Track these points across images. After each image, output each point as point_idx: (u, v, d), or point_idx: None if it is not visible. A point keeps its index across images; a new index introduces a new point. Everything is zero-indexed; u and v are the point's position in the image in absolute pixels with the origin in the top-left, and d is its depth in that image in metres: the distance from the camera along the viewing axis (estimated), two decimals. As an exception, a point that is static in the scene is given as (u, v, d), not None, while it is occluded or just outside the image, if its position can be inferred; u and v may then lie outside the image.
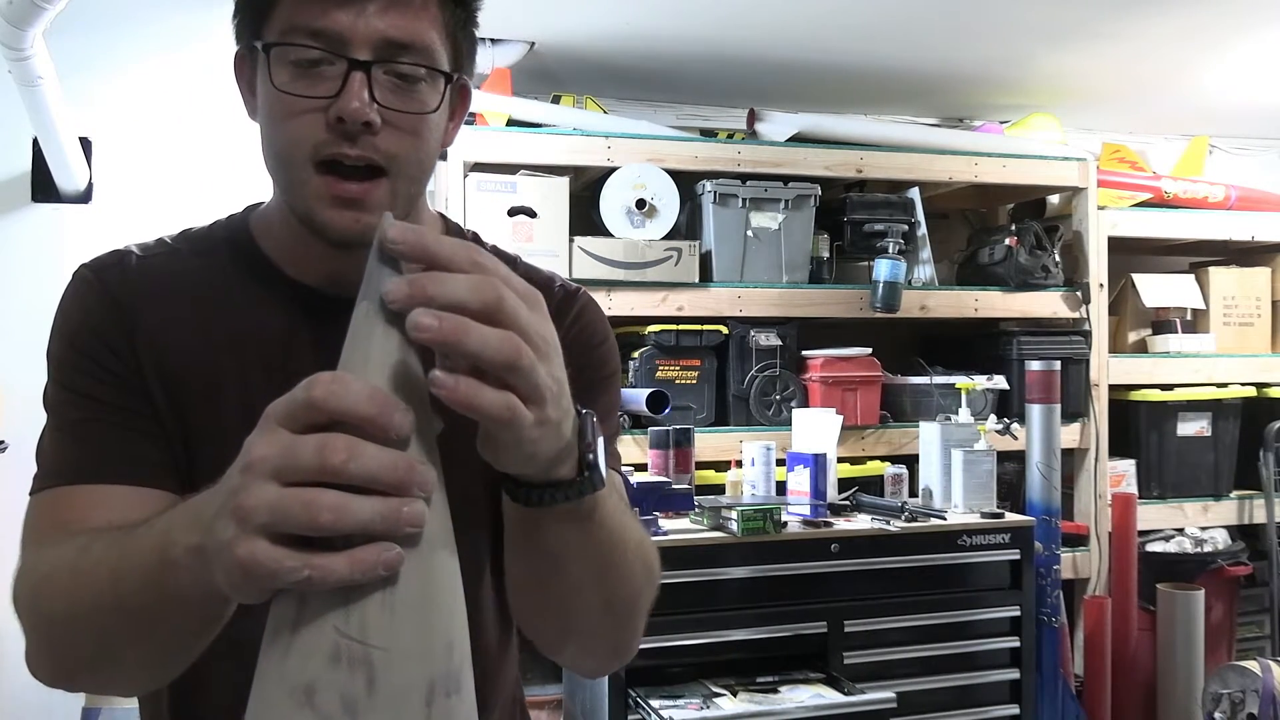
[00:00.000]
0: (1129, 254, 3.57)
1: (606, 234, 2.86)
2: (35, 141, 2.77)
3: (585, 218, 2.90)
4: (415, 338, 0.56)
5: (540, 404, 0.60)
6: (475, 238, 1.02)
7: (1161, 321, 3.57)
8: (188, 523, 0.64)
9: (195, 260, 0.92)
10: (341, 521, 0.54)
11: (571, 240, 2.79)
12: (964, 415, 2.87)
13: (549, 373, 0.61)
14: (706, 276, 2.93)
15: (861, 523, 2.58)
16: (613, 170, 2.85)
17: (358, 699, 0.56)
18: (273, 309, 0.90)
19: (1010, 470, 3.09)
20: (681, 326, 2.90)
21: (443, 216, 1.02)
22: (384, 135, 0.81)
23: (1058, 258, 3.26)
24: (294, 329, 0.89)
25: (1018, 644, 2.64)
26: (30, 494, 0.85)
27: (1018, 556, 2.64)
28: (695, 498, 2.60)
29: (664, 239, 2.88)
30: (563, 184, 2.81)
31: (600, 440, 0.70)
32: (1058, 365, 2.91)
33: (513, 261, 0.98)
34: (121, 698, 0.85)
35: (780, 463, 2.72)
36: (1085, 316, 3.27)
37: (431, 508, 0.59)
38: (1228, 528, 3.52)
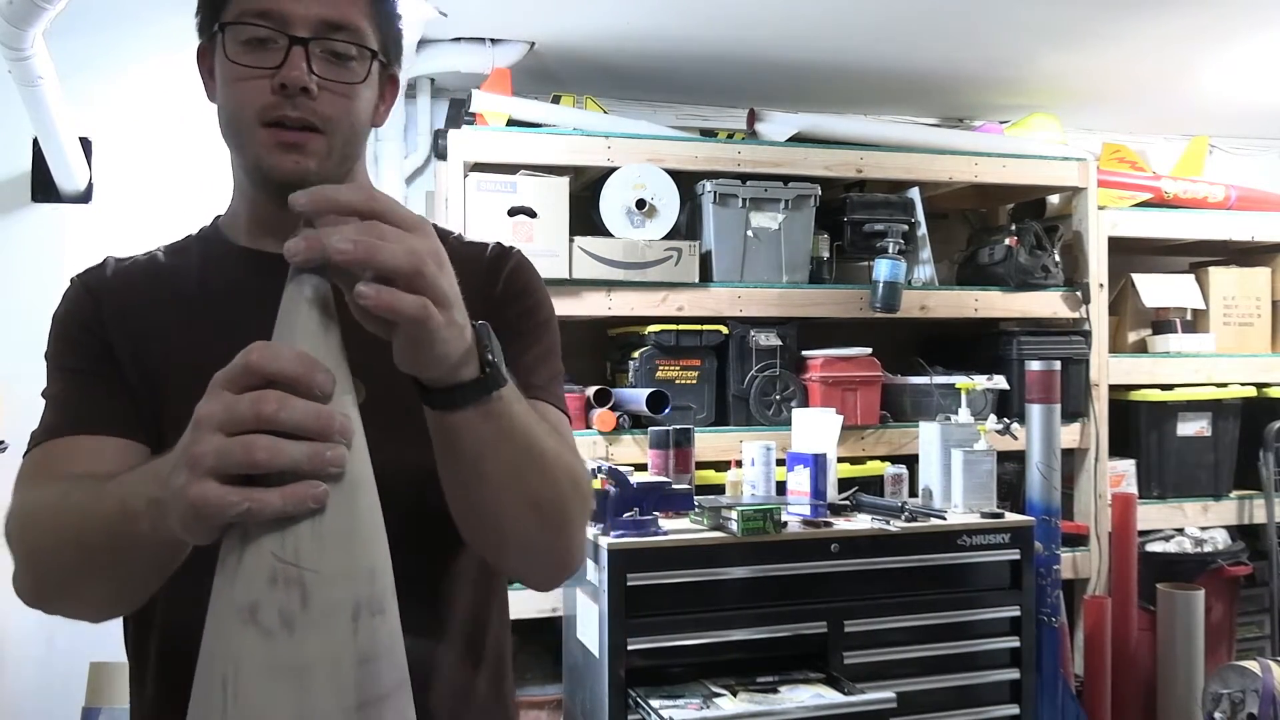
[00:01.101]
0: (1129, 254, 3.57)
1: (606, 234, 2.86)
2: (35, 141, 2.77)
3: (585, 218, 2.90)
4: (336, 260, 0.67)
5: (446, 306, 0.72)
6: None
7: (1161, 321, 3.57)
8: (148, 479, 0.75)
9: (170, 258, 1.09)
10: (275, 459, 0.65)
11: (571, 240, 2.79)
12: (964, 415, 2.87)
13: (448, 282, 0.72)
14: (706, 276, 2.93)
15: (861, 523, 2.58)
16: (613, 170, 2.85)
17: (294, 613, 0.65)
18: (226, 277, 1.05)
19: (1010, 470, 3.09)
20: (681, 326, 2.90)
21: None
22: (320, 100, 0.96)
23: (1058, 258, 3.26)
24: (243, 289, 1.00)
25: (1018, 644, 2.64)
26: (24, 456, 0.99)
27: (1018, 556, 2.64)
28: (695, 498, 2.59)
29: (664, 239, 2.88)
30: (563, 184, 2.81)
31: (496, 343, 0.80)
32: (1058, 365, 2.91)
33: (449, 236, 1.10)
34: (88, 621, 0.94)
35: (780, 463, 2.72)
36: (1085, 316, 3.28)
37: (353, 452, 0.69)
38: (1228, 528, 3.52)
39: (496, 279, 1.08)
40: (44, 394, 1.03)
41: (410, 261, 0.69)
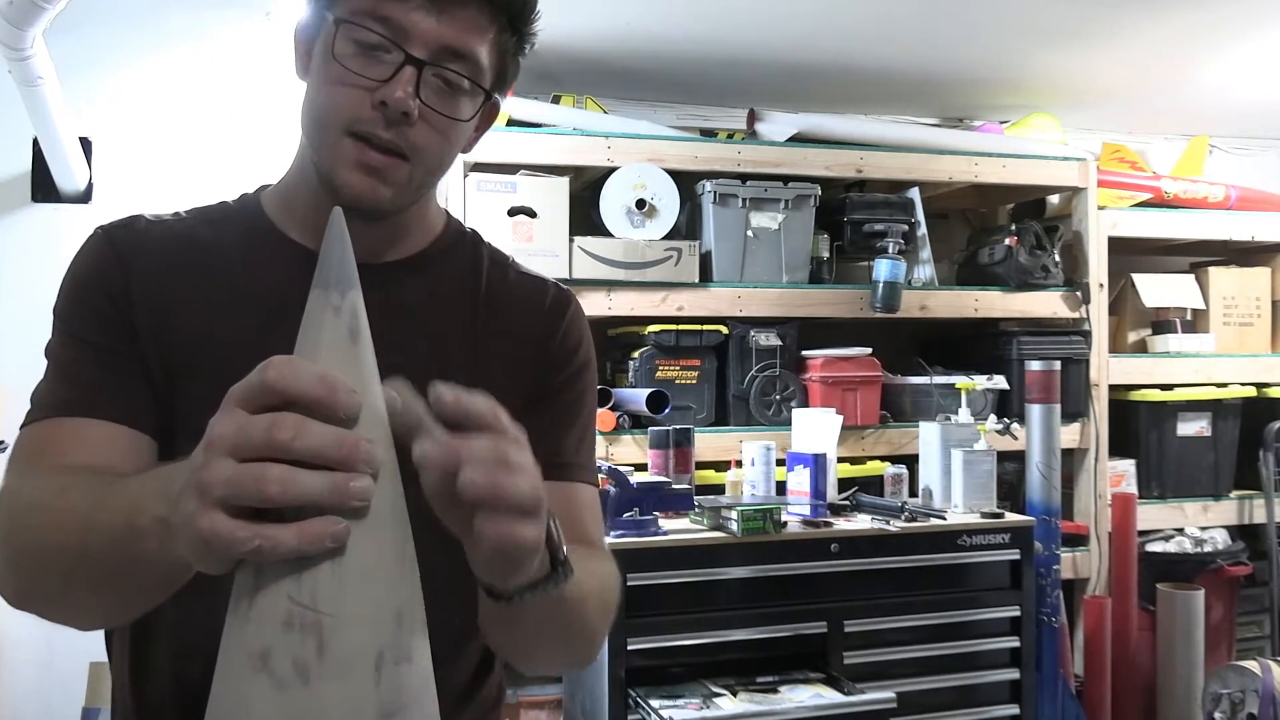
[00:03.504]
0: (1129, 254, 3.56)
1: (606, 234, 2.86)
2: (35, 141, 2.77)
3: (585, 218, 2.90)
4: (466, 494, 0.63)
5: (542, 531, 0.69)
6: (475, 235, 1.09)
7: (1161, 321, 3.57)
8: (156, 494, 0.67)
9: (204, 228, 0.99)
10: (288, 493, 0.58)
11: (571, 240, 2.79)
12: (964, 415, 2.87)
13: (545, 503, 0.68)
14: (706, 276, 2.93)
15: (861, 523, 2.58)
16: (613, 170, 2.85)
17: (309, 663, 0.59)
18: (272, 270, 0.95)
19: (1010, 470, 3.09)
20: (681, 326, 2.90)
21: (448, 215, 1.08)
22: (417, 128, 0.89)
23: (1058, 258, 3.26)
24: (290, 289, 0.90)
25: (1018, 644, 2.64)
26: (20, 428, 0.90)
27: (1018, 556, 2.64)
28: (695, 498, 2.59)
29: (664, 239, 2.88)
30: (563, 184, 2.81)
31: (562, 536, 0.76)
32: (1058, 365, 2.91)
33: (507, 264, 1.07)
34: (73, 628, 0.88)
35: (780, 463, 2.72)
36: (1085, 316, 3.27)
37: (381, 482, 0.62)
38: (1228, 528, 3.52)
39: (555, 331, 1.03)
40: (47, 353, 0.94)
41: (533, 499, 0.66)
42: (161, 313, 0.93)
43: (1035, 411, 2.87)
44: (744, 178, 2.97)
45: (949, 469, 2.76)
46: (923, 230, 3.21)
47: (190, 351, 0.92)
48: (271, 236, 0.98)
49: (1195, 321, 3.60)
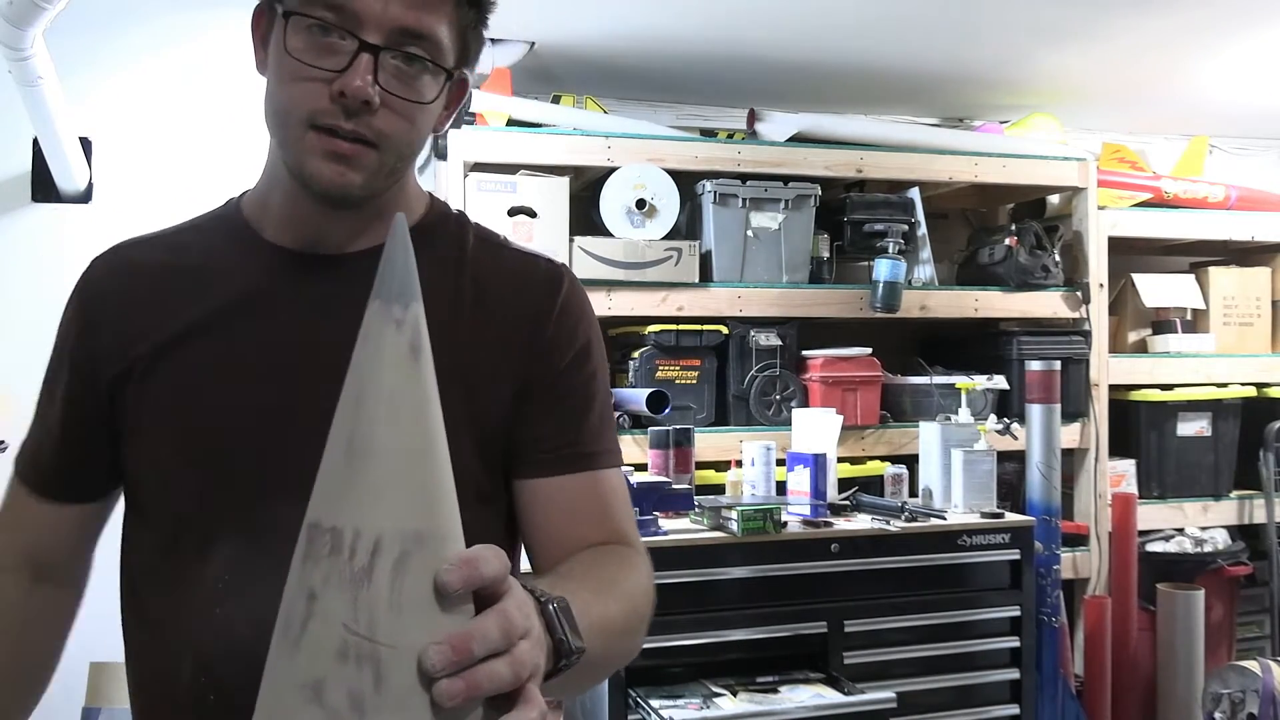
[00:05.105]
0: (1129, 254, 3.56)
1: (606, 234, 2.86)
2: (35, 141, 2.77)
3: (585, 218, 2.90)
4: (447, 704, 0.59)
5: (539, 676, 0.66)
6: (461, 215, 1.06)
7: (1161, 321, 3.57)
8: None
9: (190, 235, 1.03)
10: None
11: (571, 240, 2.79)
12: (964, 415, 2.87)
13: (532, 652, 0.65)
14: (706, 276, 2.93)
15: (861, 523, 2.58)
16: (613, 170, 2.85)
17: (365, 695, 0.57)
18: (247, 269, 0.97)
19: (1010, 470, 3.09)
20: (681, 326, 2.90)
21: (431, 197, 1.06)
22: (380, 115, 0.87)
23: (1058, 258, 3.26)
24: (264, 286, 0.95)
25: (1018, 644, 2.64)
26: (13, 464, 1.04)
27: (1018, 556, 2.64)
28: (695, 498, 2.59)
29: (664, 239, 2.88)
30: (563, 184, 2.81)
31: (569, 613, 0.73)
32: (1058, 365, 2.91)
33: (498, 242, 1.04)
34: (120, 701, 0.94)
35: (780, 463, 2.72)
36: (1085, 316, 3.27)
37: (442, 504, 0.62)
38: (1228, 528, 3.51)
39: (550, 310, 0.99)
40: (42, 385, 1.03)
41: (534, 667, 0.65)
42: (124, 334, 0.97)
43: (1035, 411, 2.87)
44: (744, 178, 2.97)
45: (949, 469, 2.76)
46: (923, 230, 3.21)
47: (154, 355, 0.95)
48: (246, 237, 0.98)
49: (1195, 321, 3.59)
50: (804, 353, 3.07)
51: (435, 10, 0.88)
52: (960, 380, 2.98)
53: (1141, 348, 3.59)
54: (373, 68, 0.85)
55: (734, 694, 2.25)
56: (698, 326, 2.91)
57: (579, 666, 0.74)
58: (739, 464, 2.78)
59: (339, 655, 0.58)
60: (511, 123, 2.86)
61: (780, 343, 2.99)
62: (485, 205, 2.72)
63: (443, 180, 2.81)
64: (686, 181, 2.96)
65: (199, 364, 0.94)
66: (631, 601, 0.90)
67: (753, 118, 3.16)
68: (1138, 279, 3.56)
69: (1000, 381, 3.08)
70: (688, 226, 3.02)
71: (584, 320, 1.02)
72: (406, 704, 0.58)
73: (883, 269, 3.00)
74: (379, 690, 0.57)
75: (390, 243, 0.62)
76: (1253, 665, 2.84)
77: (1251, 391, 3.51)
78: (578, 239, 2.79)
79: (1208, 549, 3.40)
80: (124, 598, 1.01)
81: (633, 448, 2.81)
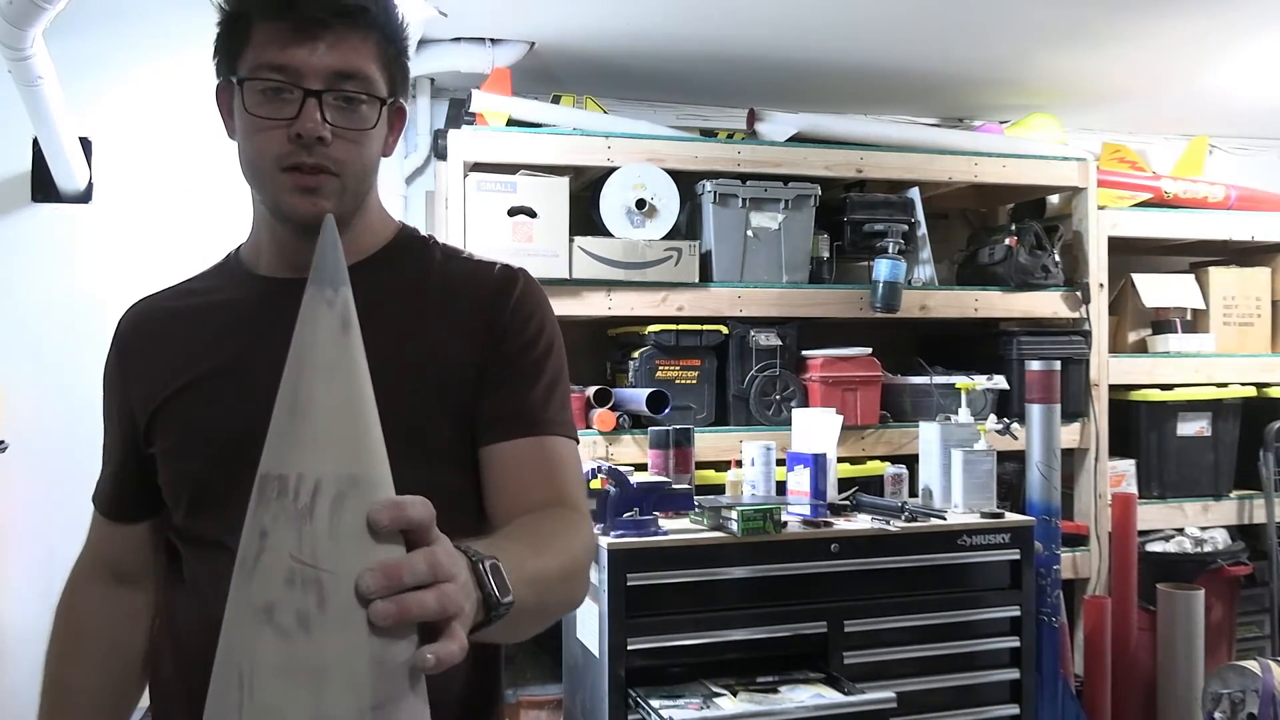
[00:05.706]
0: (1129, 254, 3.56)
1: (606, 234, 2.86)
2: (35, 141, 2.77)
3: (585, 218, 2.90)
4: (380, 623, 0.68)
5: (465, 616, 0.74)
6: (430, 238, 1.22)
7: (1161, 321, 3.57)
8: None
9: (198, 283, 1.22)
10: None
11: (571, 240, 2.78)
12: (964, 415, 2.87)
13: (461, 590, 0.74)
14: (706, 276, 2.93)
15: (861, 523, 2.58)
16: (613, 170, 2.85)
17: (310, 614, 0.67)
18: (246, 299, 1.15)
19: (1010, 470, 3.09)
20: (681, 326, 2.90)
21: (402, 224, 1.22)
22: (334, 146, 1.04)
23: (1058, 258, 3.26)
24: (260, 309, 1.12)
25: (1018, 644, 2.63)
26: (91, 498, 1.27)
27: (1018, 556, 2.64)
28: (695, 498, 2.59)
29: (664, 239, 2.88)
30: (563, 184, 2.81)
31: (499, 572, 0.80)
32: (1058, 365, 2.91)
33: (460, 255, 1.20)
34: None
35: (780, 463, 2.71)
36: (1085, 316, 3.27)
37: (373, 453, 0.72)
38: (1228, 528, 3.52)
39: (504, 304, 1.13)
40: (102, 424, 1.25)
41: (446, 609, 0.71)
42: (147, 378, 1.16)
43: (1035, 411, 2.87)
44: (744, 178, 2.97)
45: (949, 469, 2.76)
46: (923, 230, 3.21)
47: (178, 389, 1.12)
48: (242, 274, 1.17)
49: (1195, 321, 3.60)
50: (804, 353, 3.07)
51: (360, 52, 1.04)
52: (960, 380, 2.98)
53: (1141, 348, 3.59)
54: (319, 108, 1.02)
55: (734, 694, 2.25)
56: (698, 326, 2.91)
57: (515, 615, 0.82)
58: (739, 464, 2.78)
59: (287, 581, 0.67)
60: (511, 123, 2.86)
61: (780, 343, 2.99)
62: (485, 205, 2.72)
63: (443, 180, 2.81)
64: (686, 181, 2.96)
65: (209, 384, 1.11)
66: (570, 554, 1.00)
67: (753, 118, 3.16)
68: (1138, 279, 3.56)
69: (1000, 381, 3.08)
70: (688, 226, 3.02)
71: (539, 313, 1.16)
72: (347, 623, 0.67)
73: (883, 269, 3.00)
74: (322, 610, 0.67)
75: (321, 240, 0.73)
76: (1253, 665, 2.84)
77: (1251, 391, 3.51)
78: (578, 239, 2.79)
79: (1208, 549, 3.40)
80: (161, 598, 1.24)
81: (633, 448, 2.82)
